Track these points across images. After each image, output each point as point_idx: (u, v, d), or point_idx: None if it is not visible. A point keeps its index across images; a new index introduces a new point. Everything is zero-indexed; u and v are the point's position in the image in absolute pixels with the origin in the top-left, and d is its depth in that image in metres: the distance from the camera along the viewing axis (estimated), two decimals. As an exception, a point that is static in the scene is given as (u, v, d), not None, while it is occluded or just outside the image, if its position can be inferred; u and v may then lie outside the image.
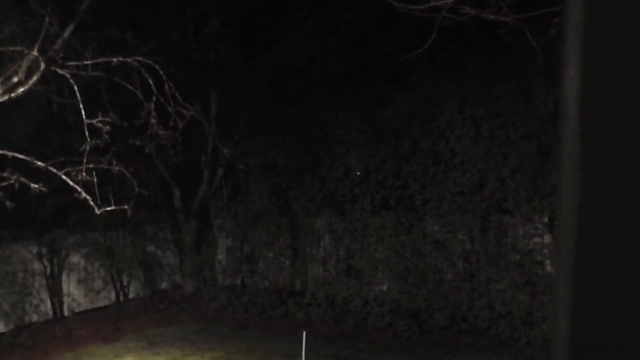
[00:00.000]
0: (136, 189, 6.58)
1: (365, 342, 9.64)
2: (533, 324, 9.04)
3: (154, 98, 6.15)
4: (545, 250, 9.59)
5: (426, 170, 10.15)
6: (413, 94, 10.41)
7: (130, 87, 6.51)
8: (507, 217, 9.85)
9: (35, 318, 10.79)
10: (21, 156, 6.24)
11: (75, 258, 11.66)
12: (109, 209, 6.34)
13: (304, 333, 8.09)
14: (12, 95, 5.86)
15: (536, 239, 9.75)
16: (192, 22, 9.30)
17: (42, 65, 5.69)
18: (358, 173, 10.21)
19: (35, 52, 5.63)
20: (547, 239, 9.66)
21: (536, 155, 9.35)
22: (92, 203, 6.30)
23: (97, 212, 6.32)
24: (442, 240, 10.13)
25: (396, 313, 10.05)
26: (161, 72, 6.11)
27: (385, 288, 10.55)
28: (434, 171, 10.08)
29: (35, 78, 5.81)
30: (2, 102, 5.88)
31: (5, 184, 6.35)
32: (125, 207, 6.29)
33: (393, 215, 10.40)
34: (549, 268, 9.58)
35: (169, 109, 6.31)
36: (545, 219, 9.56)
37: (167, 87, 6.20)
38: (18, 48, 5.72)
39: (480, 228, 9.87)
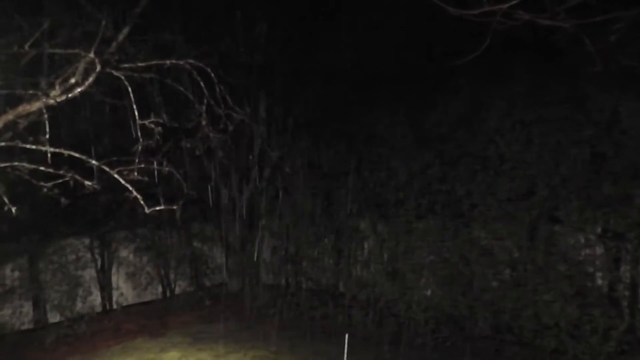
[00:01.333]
0: (185, 190, 6.70)
1: (407, 347, 9.56)
2: (581, 338, 8.79)
3: (205, 101, 6.26)
4: (597, 262, 9.30)
5: (474, 175, 9.98)
6: (460, 97, 10.26)
7: (181, 89, 6.63)
8: (557, 226, 9.58)
9: (85, 310, 11.13)
10: (76, 155, 6.41)
11: (124, 253, 11.98)
12: (158, 208, 6.46)
13: (346, 336, 8.10)
14: (69, 95, 6.06)
15: (587, 250, 9.46)
16: (242, 25, 9.41)
17: (98, 67, 5.86)
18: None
19: (91, 55, 5.80)
20: (598, 250, 9.36)
21: (589, 164, 9.07)
22: (142, 202, 6.43)
23: (147, 211, 6.44)
24: (488, 247, 9.94)
25: (439, 319, 9.94)
26: (212, 74, 6.21)
27: (428, 293, 10.44)
28: (482, 176, 9.91)
29: (91, 79, 5.99)
30: (59, 102, 6.08)
31: (60, 181, 6.54)
32: (174, 207, 6.40)
33: (438, 220, 10.27)
34: (600, 281, 9.30)
35: (220, 111, 6.40)
36: (598, 230, 9.28)
37: (217, 90, 6.30)
38: (76, 51, 5.90)
39: (529, 236, 9.64)
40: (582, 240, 9.37)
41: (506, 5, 5.60)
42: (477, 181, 9.90)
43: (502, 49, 7.74)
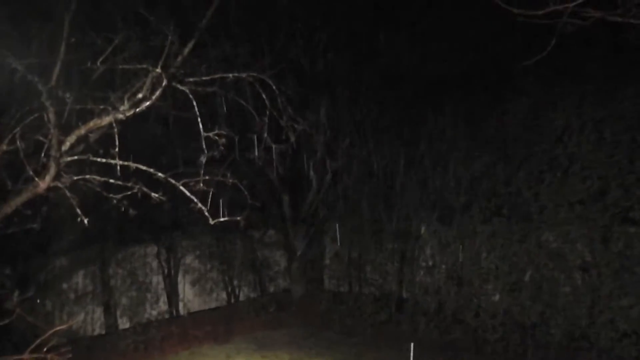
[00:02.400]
0: (249, 201, 6.75)
1: (476, 354, 9.34)
2: (662, 346, 8.36)
3: (268, 112, 6.29)
4: (677, 265, 8.82)
5: (541, 176, 9.66)
6: (525, 98, 9.95)
7: (243, 102, 6.69)
8: (633, 228, 9.13)
9: (153, 316, 11.40)
10: (143, 167, 6.56)
11: (189, 259, 12.20)
12: (222, 219, 6.54)
13: (412, 345, 7.97)
14: (137, 110, 6.21)
15: (666, 252, 9.01)
16: (302, 34, 9.45)
17: (165, 82, 5.98)
18: None
19: (158, 70, 5.92)
20: (678, 252, 8.89)
21: (666, 161, 8.63)
22: (206, 213, 6.52)
23: (211, 222, 6.53)
24: (559, 251, 9.59)
25: (508, 326, 9.65)
26: (274, 87, 6.24)
27: (496, 299, 10.15)
28: (549, 178, 9.57)
29: (158, 93, 6.12)
30: (128, 116, 6.24)
31: (129, 192, 6.71)
32: (238, 218, 6.46)
33: (504, 224, 9.99)
34: (680, 284, 8.83)
35: (282, 122, 6.43)
36: (677, 231, 8.81)
37: (279, 101, 6.32)
38: (144, 66, 6.04)
39: (602, 239, 9.24)
40: (660, 242, 8.91)
41: (573, 4, 5.37)
42: (545, 183, 9.58)
43: (571, 46, 7.46)
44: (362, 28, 9.93)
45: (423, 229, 11.11)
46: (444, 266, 10.86)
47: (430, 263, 11.06)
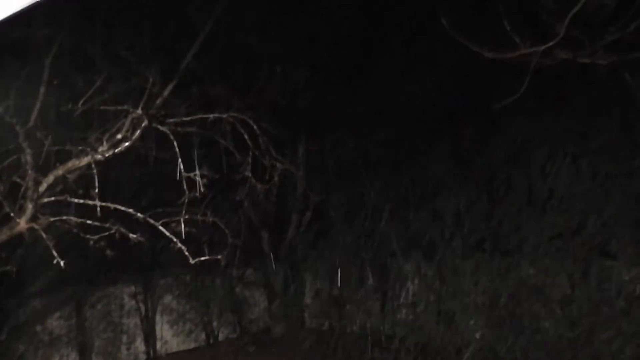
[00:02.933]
0: (229, 239, 6.71)
1: (460, 392, 9.24)
2: (644, 380, 8.37)
3: (250, 153, 6.31)
4: (655, 298, 8.91)
5: (521, 211, 9.75)
6: (506, 133, 10.11)
7: (223, 141, 6.71)
8: (610, 261, 9.24)
9: (129, 358, 11.14)
10: (122, 208, 6.51)
11: (167, 299, 12.01)
12: (202, 259, 6.50)
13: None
14: (117, 150, 6.18)
15: (644, 285, 9.10)
16: (284, 72, 9.55)
17: (145, 122, 5.97)
18: None
19: (139, 111, 5.92)
20: (656, 285, 9.00)
21: (642, 195, 8.79)
22: (186, 253, 6.48)
23: (192, 262, 6.48)
24: (539, 286, 9.63)
25: (492, 362, 9.60)
26: (255, 126, 6.27)
27: (478, 336, 10.11)
28: (529, 212, 9.67)
29: (138, 134, 6.11)
30: (107, 157, 6.20)
31: (106, 234, 6.64)
32: (219, 257, 6.42)
33: (486, 259, 10.02)
34: (659, 317, 8.90)
35: (265, 162, 6.45)
36: (654, 263, 8.92)
37: (261, 141, 6.35)
38: (125, 107, 6.05)
39: (581, 272, 9.31)
40: (637, 275, 9.01)
41: (542, 48, 5.53)
42: (525, 217, 9.67)
43: (547, 83, 7.66)
44: (343, 65, 10.06)
45: (406, 265, 11.09)
46: (425, 302, 10.82)
47: (413, 299, 11.01)
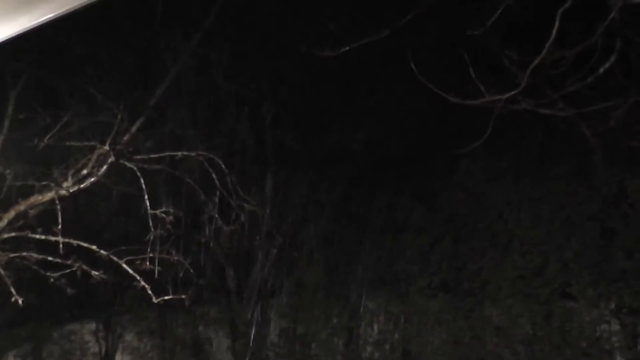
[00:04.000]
0: (194, 279, 6.67)
1: None
2: (605, 421, 8.47)
3: (218, 192, 6.34)
4: (614, 339, 9.08)
5: (484, 252, 9.91)
6: (468, 174, 10.33)
7: (191, 181, 6.73)
8: (571, 303, 9.41)
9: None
10: (85, 244, 6.44)
11: (129, 337, 11.75)
12: (166, 298, 6.43)
13: None
14: (82, 186, 6.14)
15: (603, 326, 9.27)
16: (250, 116, 9.68)
17: (112, 158, 5.96)
18: None
19: (106, 147, 5.91)
20: (615, 326, 9.17)
21: (600, 238, 9.03)
22: (149, 292, 6.41)
23: (155, 301, 6.41)
24: (502, 326, 9.74)
25: (456, 403, 9.61)
26: (223, 165, 6.31)
27: (444, 375, 10.14)
28: (491, 253, 9.84)
29: (104, 170, 6.08)
30: (71, 192, 6.14)
31: (68, 271, 6.55)
32: (183, 297, 6.37)
33: (450, 299, 10.12)
34: (618, 358, 9.06)
35: (232, 202, 6.47)
36: (612, 306, 9.12)
37: (229, 181, 6.38)
38: (92, 143, 6.03)
39: (543, 314, 9.46)
40: (597, 317, 9.19)
41: (505, 96, 5.76)
42: (488, 258, 9.82)
43: (508, 128, 7.90)
44: (309, 104, 10.23)
45: (371, 303, 11.10)
46: (391, 341, 10.82)
47: (378, 338, 11.00)
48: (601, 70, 5.27)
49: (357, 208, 11.00)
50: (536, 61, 5.13)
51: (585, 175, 9.29)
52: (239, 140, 9.19)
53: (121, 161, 6.11)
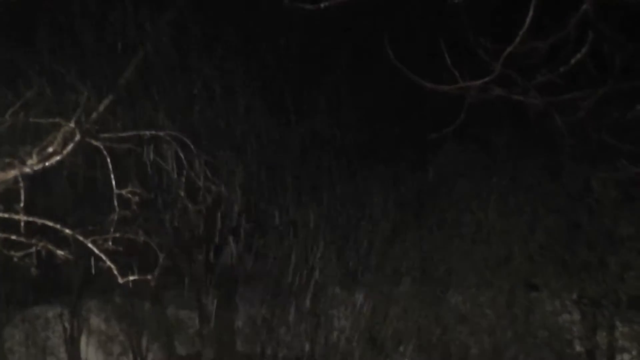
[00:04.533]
0: (161, 260, 6.59)
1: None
2: (563, 408, 8.68)
3: (185, 172, 6.26)
4: (574, 329, 9.31)
5: (451, 241, 10.03)
6: (438, 164, 10.42)
7: (160, 161, 6.63)
8: (535, 293, 9.60)
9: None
10: (50, 223, 6.32)
11: (95, 321, 11.64)
12: (132, 278, 6.35)
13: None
14: (47, 164, 6.01)
15: (565, 316, 9.49)
16: (222, 98, 9.57)
17: (78, 137, 5.84)
18: None
19: (72, 125, 5.79)
20: (576, 316, 9.40)
21: (565, 231, 9.21)
22: (115, 272, 6.32)
23: (121, 281, 6.32)
24: (467, 314, 9.89)
25: (420, 388, 9.75)
26: (192, 146, 6.23)
27: (408, 362, 10.27)
28: (458, 243, 9.96)
29: (69, 148, 5.96)
30: (36, 171, 6.01)
31: (32, 250, 6.42)
32: (149, 277, 6.29)
33: (416, 286, 10.23)
34: (578, 347, 9.29)
35: (199, 183, 6.40)
36: (574, 296, 9.34)
37: (197, 162, 6.31)
38: (56, 120, 5.90)
39: (507, 303, 9.63)
40: (559, 307, 9.40)
41: (479, 82, 5.79)
42: (454, 247, 9.95)
43: (480, 119, 7.97)
44: (283, 90, 10.17)
45: (338, 290, 11.15)
46: (357, 328, 10.90)
47: (344, 325, 11.07)
48: (573, 61, 5.34)
49: (324, 195, 11.00)
50: (509, 49, 5.17)
51: (553, 169, 9.47)
52: (210, 122, 9.09)
53: (88, 140, 6.00)
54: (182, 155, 6.26)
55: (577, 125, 6.37)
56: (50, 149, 6.08)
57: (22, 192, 5.88)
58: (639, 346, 9.44)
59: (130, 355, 12.05)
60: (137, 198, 6.00)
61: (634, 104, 6.19)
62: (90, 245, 6.28)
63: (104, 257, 6.30)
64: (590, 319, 9.15)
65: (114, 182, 6.03)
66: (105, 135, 6.19)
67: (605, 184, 8.72)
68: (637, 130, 6.69)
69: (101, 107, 6.16)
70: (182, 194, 6.38)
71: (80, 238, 6.32)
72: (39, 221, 6.27)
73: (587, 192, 9.05)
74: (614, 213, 8.78)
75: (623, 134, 6.56)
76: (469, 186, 9.94)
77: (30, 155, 6.11)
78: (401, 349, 10.43)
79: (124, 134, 6.24)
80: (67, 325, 11.28)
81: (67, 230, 6.38)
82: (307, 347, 11.39)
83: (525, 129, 9.35)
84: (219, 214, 10.09)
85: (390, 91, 9.20)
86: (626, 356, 9.24)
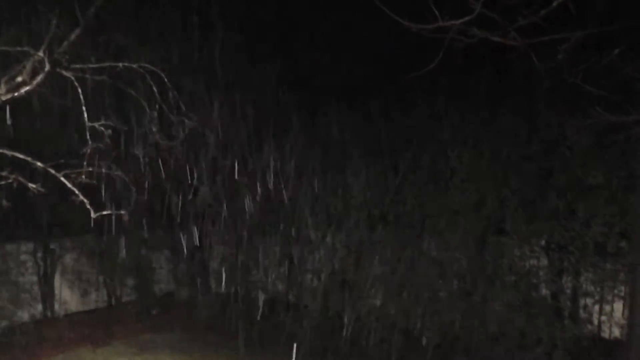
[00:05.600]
0: (134, 195, 6.54)
1: (357, 356, 9.58)
2: (527, 347, 8.98)
3: (158, 106, 6.14)
4: (541, 273, 9.55)
5: (425, 187, 10.12)
6: (415, 111, 10.42)
7: (133, 93, 6.48)
8: (504, 238, 9.78)
9: (26, 318, 10.71)
10: (21, 156, 6.20)
11: (69, 259, 11.60)
12: (105, 213, 6.30)
13: (295, 345, 8.05)
14: (16, 94, 5.85)
15: (532, 261, 9.73)
16: (199, 30, 9.32)
17: (47, 67, 5.67)
18: None
19: (40, 54, 5.61)
20: (543, 261, 9.64)
21: (537, 178, 9.34)
22: (89, 207, 6.26)
23: (94, 216, 6.27)
24: (438, 258, 10.07)
25: (390, 329, 9.99)
26: (166, 80, 6.10)
27: (379, 303, 10.49)
28: (432, 188, 10.05)
29: (39, 79, 5.80)
30: (5, 101, 5.86)
31: (2, 182, 6.31)
32: (122, 212, 6.25)
33: (390, 231, 10.36)
34: (544, 291, 9.56)
35: (172, 117, 6.29)
36: (542, 242, 9.54)
37: (171, 95, 6.19)
38: (24, 49, 5.70)
39: (477, 248, 9.82)
40: (528, 252, 9.61)
41: (459, 21, 5.72)
42: (428, 193, 10.05)
43: (458, 65, 7.95)
44: (259, 28, 9.96)
45: (313, 233, 11.24)
46: (330, 271, 11.06)
47: (319, 267, 11.22)
48: (555, 3, 5.30)
49: (302, 136, 10.95)
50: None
51: (527, 116, 9.52)
52: (186, 56, 8.87)
53: (58, 70, 5.83)
54: (155, 89, 6.13)
55: (555, 70, 6.40)
56: (19, 79, 5.90)
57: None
58: (602, 291, 9.78)
59: (105, 294, 12.12)
60: (110, 131, 5.89)
61: (611, 49, 6.23)
62: (62, 179, 6.19)
63: (76, 192, 6.22)
64: (557, 264, 9.39)
65: (85, 115, 5.90)
66: (77, 66, 6.02)
67: (579, 132, 8.81)
68: (612, 78, 6.76)
69: (72, 37, 5.96)
70: (155, 128, 6.27)
71: (52, 171, 6.22)
72: (10, 153, 6.15)
73: (560, 139, 9.15)
74: (585, 161, 8.90)
75: (598, 81, 6.63)
76: (445, 132, 9.97)
77: (-1, 85, 5.94)
78: (372, 291, 10.63)
79: (95, 65, 6.07)
80: (40, 262, 11.23)
81: (39, 164, 6.28)
82: (281, 288, 11.57)
83: (502, 75, 9.37)
84: (194, 151, 9.98)
85: (369, 31, 9.09)
86: (589, 300, 9.55)
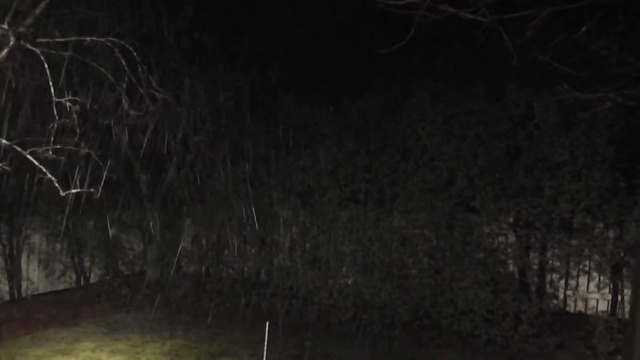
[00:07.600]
0: (104, 173, 6.43)
1: (329, 334, 9.67)
2: (494, 322, 9.19)
3: (126, 79, 6.02)
4: (509, 250, 9.74)
5: (396, 165, 10.20)
6: (386, 88, 10.45)
7: (101, 68, 6.34)
8: (473, 216, 9.93)
9: (-9, 299, 10.56)
10: (-16, 133, 6.04)
11: (36, 239, 11.42)
12: (74, 191, 6.18)
13: (267, 324, 8.08)
14: (-22, 69, 5.67)
15: (500, 238, 9.91)
16: (167, 6, 9.14)
17: (12, 41, 5.51)
18: None
19: (4, 26, 5.45)
20: (511, 238, 9.82)
21: (505, 155, 9.48)
22: (56, 185, 6.14)
23: (62, 194, 6.15)
24: (408, 236, 10.19)
25: (360, 306, 10.11)
26: (135, 54, 5.98)
27: (350, 281, 10.59)
28: (403, 167, 10.13)
29: (3, 53, 5.63)
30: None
31: (-34, 161, 6.15)
32: (91, 190, 6.15)
33: (361, 209, 10.43)
34: (511, 267, 9.76)
35: (141, 90, 6.18)
36: (510, 219, 9.71)
37: (140, 70, 6.08)
38: (-14, 22, 5.53)
39: (447, 225, 9.94)
40: (496, 229, 9.78)
41: (429, -3, 5.72)
42: (399, 171, 10.13)
43: (428, 42, 7.98)
44: (231, 6, 9.82)
45: (284, 212, 11.27)
46: (301, 249, 11.11)
47: (290, 246, 11.26)
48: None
49: (275, 116, 10.92)
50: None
51: (496, 94, 9.63)
52: (156, 31, 8.69)
53: (22, 44, 5.67)
54: (124, 63, 6.01)
55: (523, 47, 6.46)
56: (-18, 53, 5.73)
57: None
58: (567, 266, 10.04)
59: (73, 275, 11.98)
60: (77, 107, 5.76)
61: (579, 26, 6.33)
62: (28, 156, 6.05)
63: (44, 170, 6.09)
64: (525, 240, 9.57)
65: (52, 90, 5.76)
66: (43, 40, 5.86)
67: (546, 109, 8.95)
68: (579, 55, 6.87)
69: (37, 10, 5.80)
70: (123, 100, 6.14)
71: (18, 149, 6.07)
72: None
73: (528, 117, 9.29)
74: (552, 138, 9.06)
75: (566, 58, 6.73)
76: (415, 110, 10.02)
77: (-41, 59, 5.75)
78: (344, 269, 10.73)
79: (62, 40, 5.92)
80: (5, 242, 11.03)
81: (4, 141, 6.12)
82: (252, 268, 11.58)
83: (471, 52, 9.42)
84: (165, 128, 9.84)
85: (340, 8, 9.05)
86: (555, 275, 9.79)
